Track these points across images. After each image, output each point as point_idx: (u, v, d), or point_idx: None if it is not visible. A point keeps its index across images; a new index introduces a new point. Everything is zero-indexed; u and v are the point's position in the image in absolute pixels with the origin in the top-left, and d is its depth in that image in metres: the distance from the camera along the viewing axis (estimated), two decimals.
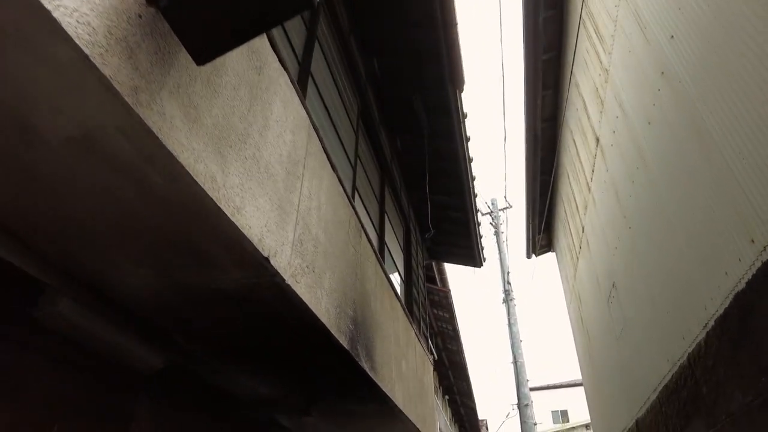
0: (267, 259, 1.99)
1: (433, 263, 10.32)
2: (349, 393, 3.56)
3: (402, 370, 4.40)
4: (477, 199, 6.44)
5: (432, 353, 11.54)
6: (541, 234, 8.79)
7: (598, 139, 4.72)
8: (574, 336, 8.14)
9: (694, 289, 2.67)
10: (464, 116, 5.20)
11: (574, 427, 28.09)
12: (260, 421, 3.78)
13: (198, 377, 3.01)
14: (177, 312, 2.47)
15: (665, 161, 3.04)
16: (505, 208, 14.91)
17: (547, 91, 6.16)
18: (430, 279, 10.66)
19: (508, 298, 13.85)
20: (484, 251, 7.67)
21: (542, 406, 32.94)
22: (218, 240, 1.87)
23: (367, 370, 3.23)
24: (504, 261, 14.16)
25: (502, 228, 14.58)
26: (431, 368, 6.37)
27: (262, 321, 2.50)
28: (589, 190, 5.32)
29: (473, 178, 6.14)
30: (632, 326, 4.00)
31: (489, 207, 14.62)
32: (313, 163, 2.67)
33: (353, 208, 3.44)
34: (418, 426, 4.82)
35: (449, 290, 10.65)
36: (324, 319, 2.54)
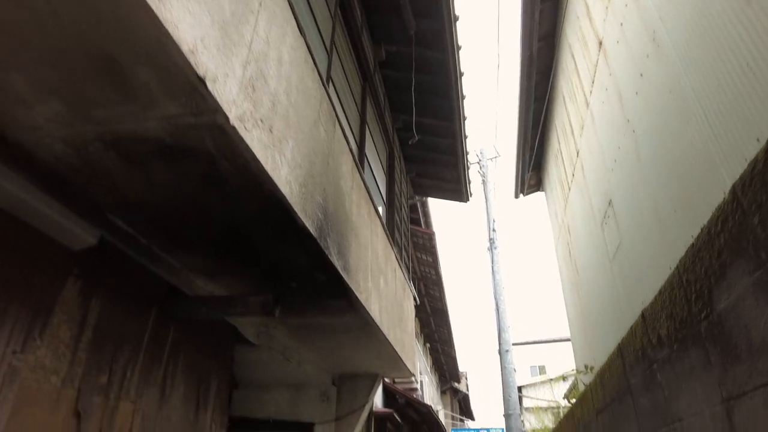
0: (203, 82, 1.57)
1: (418, 204, 9.98)
2: (320, 297, 3.23)
3: (380, 286, 4.09)
4: (466, 122, 6.02)
5: (414, 295, 11.40)
6: (531, 172, 8.46)
7: (600, 43, 4.29)
8: (560, 275, 7.95)
9: (714, 165, 2.33)
10: (455, 18, 4.71)
11: (551, 379, 28.87)
12: (218, 329, 3.46)
13: (139, 267, 2.63)
14: (105, 177, 2.06)
15: (686, 38, 2.64)
16: (494, 158, 14.59)
17: (546, 3, 5.66)
18: (415, 221, 10.36)
19: (492, 246, 13.70)
20: (471, 185, 7.32)
21: (521, 361, 33.80)
22: (136, 44, 1.45)
23: (340, 269, 2.88)
24: (490, 210, 13.91)
25: (490, 177, 14.28)
26: (412, 299, 6.11)
27: (207, 188, 2.11)
28: (587, 105, 4.93)
29: (463, 97, 5.70)
30: (631, 235, 3.71)
31: (478, 156, 14.27)
32: (272, 6, 2.21)
33: (326, 92, 3.01)
34: (396, 349, 4.57)
35: (434, 233, 10.37)
36: (285, 191, 2.15)
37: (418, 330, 15.30)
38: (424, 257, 11.23)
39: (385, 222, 5.00)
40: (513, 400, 11.78)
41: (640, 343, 2.22)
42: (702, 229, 1.51)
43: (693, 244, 1.58)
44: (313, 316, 3.64)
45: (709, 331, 1.52)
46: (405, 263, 6.03)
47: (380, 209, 4.87)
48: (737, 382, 1.39)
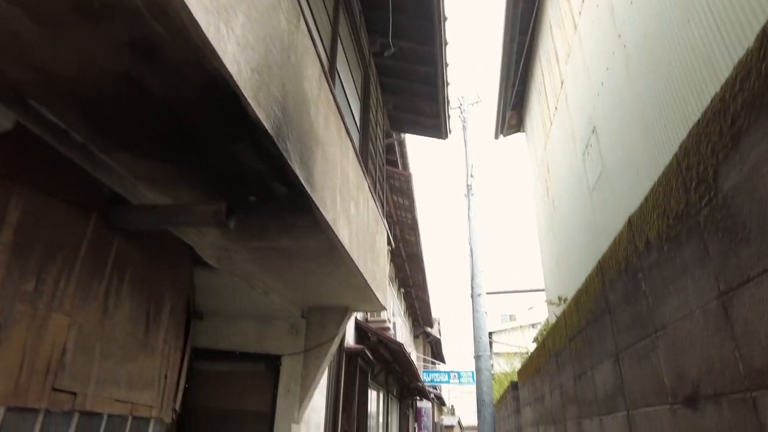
0: None
1: (396, 144, 9.67)
2: (283, 214, 2.99)
3: (350, 211, 3.86)
4: (447, 48, 5.65)
5: (388, 232, 11.28)
6: (512, 111, 8.18)
7: None
8: (536, 215, 7.87)
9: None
10: None
11: (521, 326, 29.83)
12: (173, 247, 3.20)
13: (74, 168, 2.32)
14: (15, 45, 1.72)
15: None
16: (475, 102, 14.25)
17: None
18: (392, 162, 10.07)
19: (469, 192, 13.58)
20: (450, 120, 7.02)
21: (493, 309, 34.80)
22: None
23: (303, 181, 2.62)
24: (469, 155, 13.70)
25: (470, 122, 13.99)
26: (386, 235, 5.93)
27: (140, 62, 1.79)
28: (576, 28, 4.62)
29: (445, 19, 5.31)
30: (615, 161, 3.53)
31: (459, 100, 13.90)
32: None
33: None
34: (366, 279, 4.41)
35: (411, 174, 10.13)
36: (232, 70, 1.85)
37: (393, 275, 15.35)
38: (400, 200, 11.04)
39: (358, 149, 4.72)
40: (483, 342, 12.03)
41: (623, 254, 2.05)
42: (713, 99, 1.28)
43: (699, 120, 1.36)
44: (277, 237, 3.40)
45: (710, 219, 1.33)
46: (379, 198, 5.80)
47: (354, 135, 4.57)
48: (740, 269, 1.21)
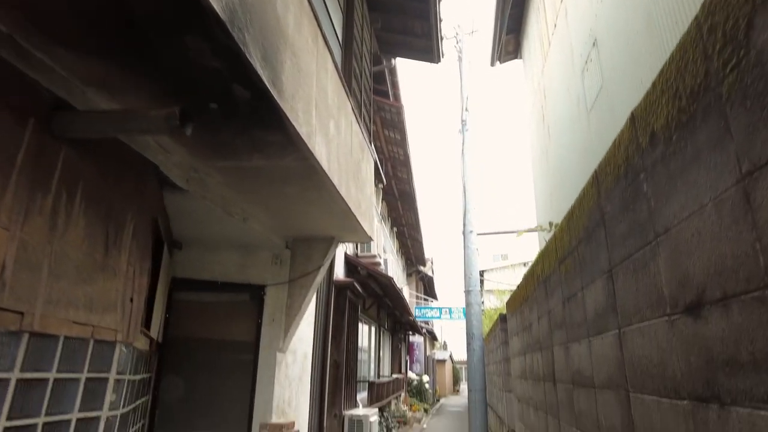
0: None
1: (387, 72, 9.18)
2: (250, 127, 2.72)
3: (329, 130, 3.58)
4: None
5: (375, 159, 11.02)
6: (509, 36, 7.69)
7: None
8: (531, 144, 7.59)
9: None
10: None
11: (513, 265, 30.26)
12: (135, 163, 2.94)
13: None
14: None
15: None
16: (472, 32, 13.54)
17: None
18: (383, 93, 9.62)
19: (464, 127, 13.20)
20: (443, 42, 6.57)
21: (486, 249, 35.24)
22: None
23: (267, 83, 2.33)
24: (464, 88, 13.21)
25: (466, 53, 13.39)
26: (372, 163, 5.67)
27: None
28: None
29: None
30: (617, 72, 3.23)
31: (455, 29, 13.20)
32: None
33: None
34: (351, 207, 4.20)
35: (402, 105, 9.71)
36: None
37: (386, 213, 15.22)
38: (391, 135, 10.68)
39: (340, 66, 4.36)
40: (473, 278, 12.09)
41: (623, 156, 1.82)
42: None
43: None
44: (248, 156, 3.15)
45: (736, 86, 1.10)
46: (366, 123, 5.49)
47: (335, 49, 4.19)
48: None
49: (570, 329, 2.92)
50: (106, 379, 2.66)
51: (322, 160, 3.28)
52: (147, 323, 3.53)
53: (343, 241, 5.41)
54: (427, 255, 23.80)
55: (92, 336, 2.52)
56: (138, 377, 3.56)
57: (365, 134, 5.23)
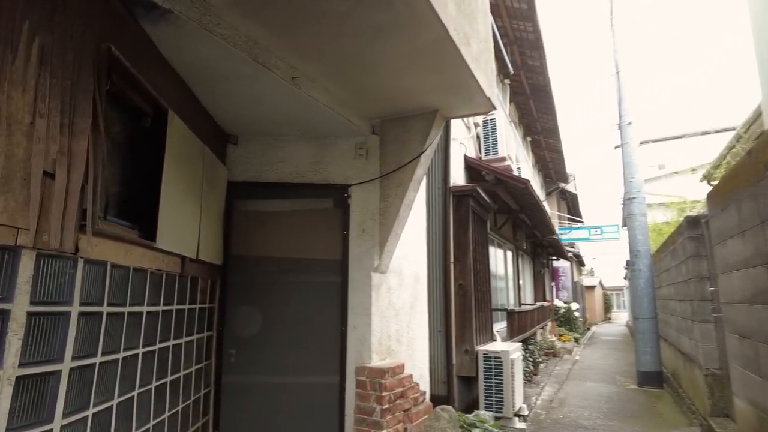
0: None
1: None
2: None
3: None
4: None
5: (507, 67, 8.87)
6: None
7: None
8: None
9: None
10: None
11: (677, 172, 25.55)
12: None
13: None
14: None
15: None
16: None
17: None
18: None
19: None
20: None
21: (641, 160, 30.73)
22: None
23: None
24: None
25: None
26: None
27: None
28: None
29: None
30: None
31: None
32: None
33: None
34: (451, 33, 2.54)
35: None
36: None
37: (517, 120, 12.96)
38: (515, 4, 8.35)
39: None
40: (636, 182, 9.58)
41: None
42: None
43: None
44: None
45: None
46: None
47: None
48: None
49: None
50: None
51: None
52: (148, 231, 2.37)
53: (452, 115, 3.77)
54: (568, 171, 20.85)
55: None
56: (145, 309, 2.48)
57: None
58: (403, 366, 3.75)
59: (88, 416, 1.87)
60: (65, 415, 1.71)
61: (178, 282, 2.81)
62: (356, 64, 2.88)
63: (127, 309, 2.18)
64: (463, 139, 6.86)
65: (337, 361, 3.55)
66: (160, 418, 2.61)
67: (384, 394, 3.34)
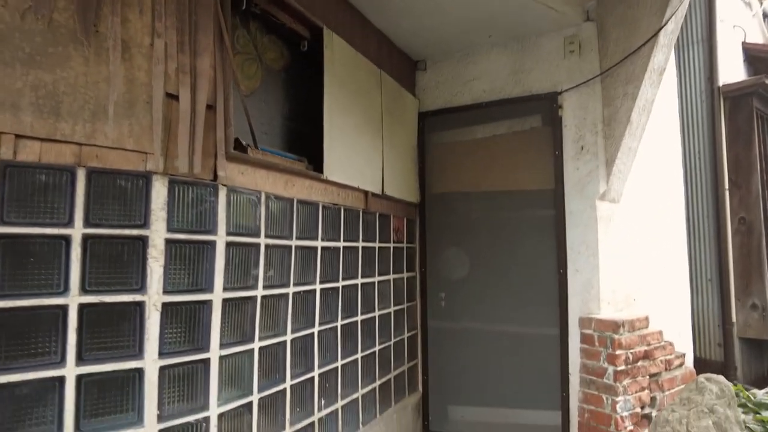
0: None
1: None
2: None
3: None
4: None
5: None
6: None
7: None
8: None
9: None
10: None
11: None
12: None
13: None
14: None
15: None
16: None
17: None
18: None
19: None
20: None
21: None
22: None
23: None
24: None
25: None
26: None
27: None
28: None
29: None
30: None
31: None
32: None
33: None
34: None
35: None
36: None
37: None
38: None
39: None
40: None
41: None
42: None
43: None
44: None
45: None
46: None
47: None
48: None
49: None
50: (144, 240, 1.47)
51: None
52: (316, 163, 2.20)
53: None
54: None
55: (80, 163, 1.34)
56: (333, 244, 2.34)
57: None
58: (647, 319, 2.89)
59: (253, 349, 1.82)
60: (223, 346, 1.66)
61: (363, 218, 2.64)
62: None
63: (293, 242, 2.06)
64: (740, 21, 4.99)
65: (555, 311, 2.93)
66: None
67: (618, 352, 2.60)
